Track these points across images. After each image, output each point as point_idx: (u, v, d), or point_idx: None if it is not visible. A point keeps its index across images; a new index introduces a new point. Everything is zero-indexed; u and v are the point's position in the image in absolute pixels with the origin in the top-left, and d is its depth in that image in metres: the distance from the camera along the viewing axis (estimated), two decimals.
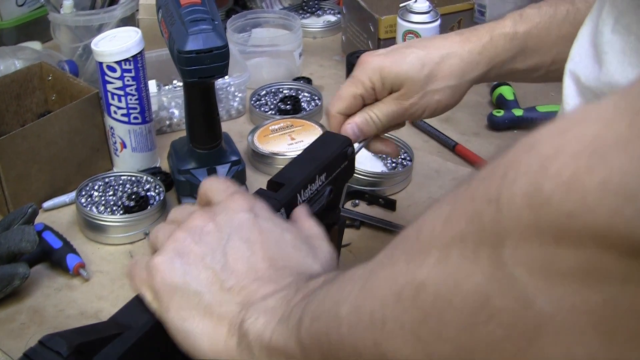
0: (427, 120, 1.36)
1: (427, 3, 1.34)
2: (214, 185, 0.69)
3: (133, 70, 1.16)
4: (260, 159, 1.26)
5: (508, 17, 0.92)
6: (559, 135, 0.32)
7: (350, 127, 0.91)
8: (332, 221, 0.83)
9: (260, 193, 0.75)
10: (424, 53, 0.90)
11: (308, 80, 1.51)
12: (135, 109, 1.19)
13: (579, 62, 0.66)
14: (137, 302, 0.63)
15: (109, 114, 1.20)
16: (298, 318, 0.52)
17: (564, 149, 0.31)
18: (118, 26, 1.35)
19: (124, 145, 1.22)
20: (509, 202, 0.33)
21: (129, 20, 1.42)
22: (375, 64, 0.90)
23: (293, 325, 0.52)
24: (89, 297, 1.02)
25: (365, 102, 0.92)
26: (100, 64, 1.15)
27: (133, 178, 1.19)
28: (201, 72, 1.02)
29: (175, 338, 0.60)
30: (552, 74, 0.90)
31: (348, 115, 0.92)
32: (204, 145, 1.13)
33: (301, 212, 0.72)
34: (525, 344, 0.33)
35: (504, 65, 0.91)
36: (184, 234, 0.62)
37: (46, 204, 1.17)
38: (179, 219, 0.67)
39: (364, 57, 0.92)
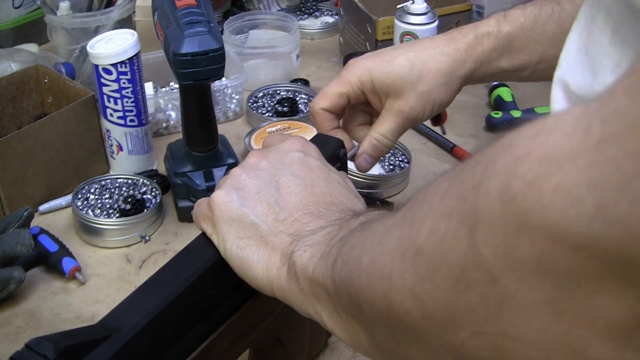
0: (424, 123, 1.36)
1: (425, 4, 1.34)
2: (275, 137, 0.75)
3: (129, 73, 1.16)
4: None
5: (492, 17, 0.95)
6: (530, 139, 0.36)
7: (363, 159, 0.93)
8: None
9: None
10: (412, 54, 0.92)
11: (305, 82, 1.50)
12: (131, 111, 1.19)
13: (567, 69, 0.66)
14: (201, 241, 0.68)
15: (105, 117, 1.19)
16: (334, 258, 0.55)
17: (532, 154, 0.35)
18: (115, 28, 1.35)
19: (120, 148, 1.22)
20: (485, 192, 0.38)
21: (126, 22, 1.42)
22: (365, 65, 0.92)
23: (330, 264, 0.56)
24: (85, 301, 1.02)
25: (351, 102, 0.93)
26: (96, 66, 1.15)
27: (129, 181, 1.19)
28: (197, 75, 1.02)
29: (232, 266, 0.65)
30: (541, 72, 0.92)
31: (332, 113, 0.94)
32: (201, 148, 1.13)
33: None
34: (495, 310, 0.38)
35: (490, 64, 0.92)
36: (240, 171, 0.68)
37: (42, 207, 1.17)
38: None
39: (352, 60, 0.94)
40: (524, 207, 0.35)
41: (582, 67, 0.64)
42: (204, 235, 0.70)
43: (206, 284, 0.67)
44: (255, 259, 0.63)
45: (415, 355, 0.47)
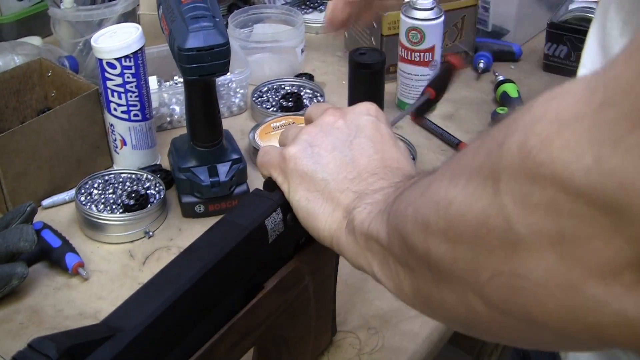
0: (430, 118, 1.35)
1: (431, 0, 1.33)
2: (315, 109, 0.79)
3: (133, 67, 1.15)
4: None
5: None
6: (547, 102, 0.42)
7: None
8: None
9: (256, 193, 0.75)
10: None
11: (310, 77, 1.50)
12: (135, 106, 1.18)
13: (590, 67, 0.66)
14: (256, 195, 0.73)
15: (109, 111, 1.19)
16: (388, 214, 0.60)
17: (547, 114, 0.41)
18: (119, 21, 1.35)
19: (124, 143, 1.21)
20: (508, 148, 0.43)
21: (130, 16, 1.41)
22: None
23: (385, 218, 0.61)
24: (88, 297, 1.01)
25: None
26: (100, 60, 1.14)
27: (133, 176, 1.18)
28: (202, 70, 1.01)
29: (297, 215, 0.71)
30: None
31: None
32: (205, 143, 1.12)
33: None
34: (511, 252, 0.43)
35: None
36: (316, 128, 0.72)
37: (45, 202, 1.16)
38: (313, 119, 0.76)
39: None
40: (538, 160, 0.40)
41: (600, 64, 0.64)
42: (208, 232, 0.70)
43: (210, 283, 0.66)
44: (321, 211, 0.69)
45: (448, 297, 0.52)
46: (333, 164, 0.70)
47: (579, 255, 0.40)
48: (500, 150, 0.44)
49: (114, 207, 1.12)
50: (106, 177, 1.17)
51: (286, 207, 0.73)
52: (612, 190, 0.37)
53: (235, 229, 0.70)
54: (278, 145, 0.79)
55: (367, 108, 0.75)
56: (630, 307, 0.39)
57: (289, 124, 1.30)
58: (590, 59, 0.68)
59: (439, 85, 0.95)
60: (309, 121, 0.79)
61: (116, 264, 1.07)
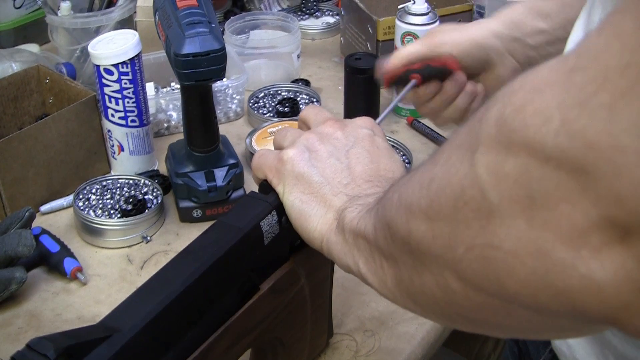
0: (425, 122, 1.36)
1: (426, 5, 1.34)
2: (312, 112, 0.81)
3: (130, 73, 1.16)
4: None
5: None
6: (525, 76, 0.44)
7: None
8: None
9: (251, 196, 0.75)
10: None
11: (306, 82, 1.51)
12: (132, 111, 1.19)
13: None
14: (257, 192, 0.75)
15: (107, 117, 1.19)
16: (376, 208, 0.63)
17: (524, 86, 0.43)
18: (116, 28, 1.35)
19: (121, 148, 1.22)
20: (487, 120, 0.45)
21: (127, 23, 1.42)
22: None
23: (373, 214, 0.63)
24: (87, 301, 1.02)
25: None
26: (98, 66, 1.15)
27: (131, 181, 1.19)
28: (198, 76, 1.02)
29: (290, 216, 0.72)
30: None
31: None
32: (202, 148, 1.13)
33: None
34: (484, 223, 0.45)
35: (525, 24, 0.99)
36: (315, 135, 0.74)
37: (43, 208, 1.17)
38: (309, 121, 0.79)
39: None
40: (512, 127, 0.42)
41: None
42: (204, 235, 0.71)
43: (206, 285, 0.67)
44: (313, 213, 0.70)
45: (428, 281, 0.53)
46: (329, 169, 0.71)
47: (548, 220, 0.41)
48: (480, 125, 0.46)
49: (111, 212, 1.13)
50: (104, 183, 1.18)
51: (281, 209, 0.74)
52: (579, 151, 0.38)
53: (230, 231, 0.71)
54: (274, 149, 0.80)
55: (364, 122, 0.77)
56: (597, 269, 0.39)
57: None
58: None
59: (426, 74, 0.95)
60: (304, 122, 0.81)
61: (114, 268, 1.07)
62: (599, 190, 0.38)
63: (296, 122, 1.31)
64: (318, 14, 1.79)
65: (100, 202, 1.15)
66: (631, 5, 0.39)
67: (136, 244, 1.12)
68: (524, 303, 0.45)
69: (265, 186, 0.75)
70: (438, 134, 1.33)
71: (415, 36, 1.33)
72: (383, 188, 0.68)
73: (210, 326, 0.69)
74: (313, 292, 0.82)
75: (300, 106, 1.40)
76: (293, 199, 0.72)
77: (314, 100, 1.43)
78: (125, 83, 1.16)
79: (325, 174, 0.71)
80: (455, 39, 0.96)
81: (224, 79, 1.29)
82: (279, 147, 0.77)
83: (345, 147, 0.73)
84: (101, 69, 1.15)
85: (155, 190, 1.17)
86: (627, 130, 0.37)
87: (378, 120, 0.89)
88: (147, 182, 1.19)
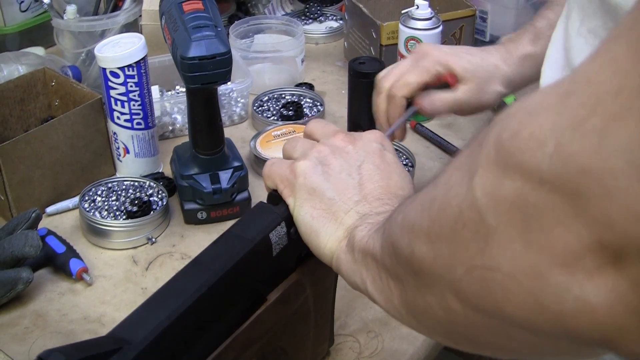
0: (428, 126, 1.37)
1: (429, 9, 1.35)
2: (318, 126, 0.80)
3: (136, 76, 1.17)
4: (263, 164, 1.26)
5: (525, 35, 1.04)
6: (521, 100, 0.44)
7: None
8: None
9: (260, 206, 0.76)
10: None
11: (310, 86, 1.51)
12: (138, 114, 1.20)
13: (554, 64, 0.70)
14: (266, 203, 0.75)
15: (112, 120, 1.20)
16: (384, 228, 0.63)
17: (520, 109, 0.44)
18: (121, 32, 1.36)
19: (126, 151, 1.22)
20: (486, 144, 0.46)
21: (132, 26, 1.43)
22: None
23: (381, 233, 0.63)
24: (92, 302, 1.02)
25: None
26: (104, 69, 1.16)
27: (136, 183, 1.20)
28: (204, 79, 1.03)
29: (300, 230, 0.72)
30: None
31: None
32: (207, 151, 1.14)
33: None
34: (483, 244, 0.45)
35: (522, 47, 1.04)
36: (327, 148, 0.74)
37: (49, 209, 1.18)
38: (315, 135, 0.78)
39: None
40: (509, 151, 0.43)
41: (561, 64, 0.67)
42: (213, 245, 0.71)
43: (215, 296, 0.67)
44: (324, 230, 0.70)
45: (430, 301, 0.54)
46: (341, 185, 0.71)
47: (543, 243, 0.41)
48: (480, 148, 0.46)
49: (117, 213, 1.14)
50: (109, 185, 1.19)
51: (290, 220, 0.74)
52: (572, 175, 0.39)
53: (240, 242, 0.71)
54: (281, 155, 0.80)
55: (374, 136, 0.77)
56: (591, 292, 0.40)
57: (290, 132, 1.32)
58: (554, 59, 0.71)
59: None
60: (309, 136, 0.80)
61: (119, 269, 1.08)
62: (591, 213, 0.39)
63: (300, 126, 1.33)
64: (322, 18, 1.80)
65: (105, 203, 1.16)
66: (624, 31, 0.39)
67: (141, 246, 1.12)
68: (521, 325, 0.45)
69: (275, 196, 0.75)
70: (441, 137, 1.34)
71: (418, 40, 1.33)
72: (392, 206, 0.68)
73: (218, 337, 0.69)
74: (317, 302, 0.82)
75: (304, 109, 1.41)
76: (304, 214, 0.71)
77: (318, 104, 1.44)
78: (131, 86, 1.17)
79: (337, 189, 0.71)
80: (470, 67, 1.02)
81: (229, 83, 1.29)
82: (288, 157, 0.77)
83: (357, 162, 0.73)
84: (107, 71, 1.16)
85: (160, 192, 1.18)
86: (618, 154, 0.37)
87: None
88: (152, 184, 1.19)
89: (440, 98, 1.03)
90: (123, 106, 1.18)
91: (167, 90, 1.43)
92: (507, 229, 0.43)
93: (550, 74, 0.71)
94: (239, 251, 0.70)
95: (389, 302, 0.61)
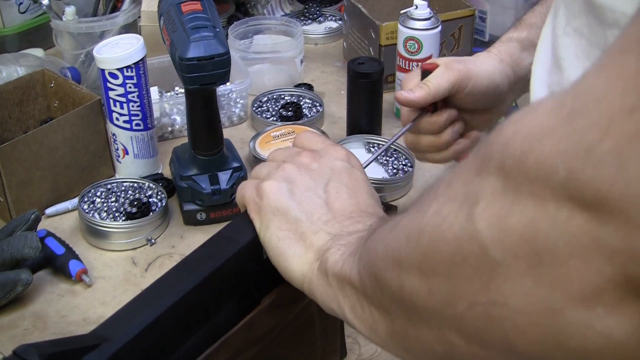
0: None
1: (428, 10, 1.35)
2: (312, 137, 0.77)
3: (135, 77, 1.16)
4: None
5: (509, 29, 0.98)
6: (516, 122, 0.41)
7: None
8: None
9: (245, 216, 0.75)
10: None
11: (309, 87, 1.51)
12: (137, 115, 1.20)
13: (543, 63, 0.69)
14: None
15: (111, 121, 1.20)
16: (360, 253, 0.60)
17: (518, 133, 0.40)
18: (120, 33, 1.36)
19: (126, 152, 1.22)
20: (487, 174, 0.43)
21: (131, 27, 1.43)
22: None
23: (357, 259, 0.60)
24: (92, 303, 1.02)
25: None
26: (103, 71, 1.16)
27: (135, 184, 1.20)
28: (203, 79, 1.03)
29: (268, 253, 0.68)
30: None
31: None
32: (206, 152, 1.14)
33: None
34: (486, 280, 0.42)
35: (521, 63, 0.97)
36: (292, 166, 0.71)
37: (49, 211, 1.18)
38: (279, 159, 0.74)
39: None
40: (517, 181, 0.40)
41: (550, 63, 0.67)
42: (202, 247, 0.70)
43: (201, 296, 0.67)
44: (292, 252, 0.67)
45: (425, 335, 0.51)
46: (307, 204, 0.68)
47: (558, 278, 0.38)
48: (480, 178, 0.43)
49: (116, 215, 1.14)
50: (109, 186, 1.19)
51: None
52: (590, 203, 0.36)
53: (228, 243, 0.71)
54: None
55: (341, 154, 0.73)
56: (615, 327, 0.37)
57: (289, 133, 1.32)
58: (545, 57, 0.69)
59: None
60: (273, 160, 0.76)
61: (119, 270, 1.08)
62: (612, 244, 0.36)
63: (298, 126, 1.33)
64: (321, 19, 1.79)
65: (105, 205, 1.15)
66: (634, 44, 0.37)
67: (141, 247, 1.12)
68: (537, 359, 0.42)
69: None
70: None
71: (418, 41, 1.33)
72: (364, 224, 0.66)
73: (208, 339, 0.69)
74: (321, 309, 0.82)
75: (304, 110, 1.41)
76: (270, 235, 0.68)
77: (317, 104, 1.44)
78: (130, 87, 1.17)
79: (303, 208, 0.68)
80: (477, 74, 0.94)
81: (228, 83, 1.30)
82: (256, 179, 0.74)
83: (323, 180, 0.70)
84: (106, 73, 1.16)
85: (159, 193, 1.18)
86: (639, 178, 0.34)
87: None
88: (151, 185, 1.19)
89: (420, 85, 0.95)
90: (122, 107, 1.18)
91: (166, 91, 1.44)
92: (515, 263, 0.40)
93: (539, 72, 0.69)
94: (226, 252, 0.69)
95: (372, 332, 0.58)
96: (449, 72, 0.93)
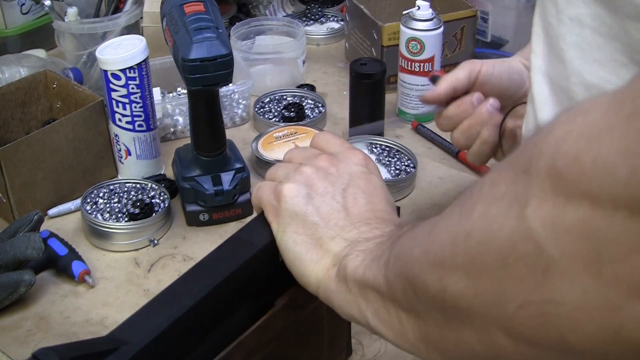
0: (430, 127, 1.37)
1: (430, 10, 1.35)
2: (330, 139, 0.77)
3: (138, 78, 1.17)
4: (265, 166, 1.27)
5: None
6: (569, 122, 0.41)
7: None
8: None
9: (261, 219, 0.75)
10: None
11: (312, 88, 1.51)
12: (139, 116, 1.20)
13: (538, 52, 0.68)
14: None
15: (114, 122, 1.20)
16: (386, 258, 0.59)
17: (572, 133, 0.40)
18: (122, 34, 1.36)
19: (128, 153, 1.22)
20: (536, 172, 0.43)
21: (133, 28, 1.43)
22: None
23: (382, 264, 0.60)
24: (95, 304, 1.02)
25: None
26: (105, 72, 1.16)
27: (138, 185, 1.20)
28: (206, 80, 1.03)
29: (284, 257, 0.69)
30: None
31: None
32: (209, 153, 1.14)
33: None
34: (541, 279, 0.42)
35: None
36: (311, 169, 0.71)
37: (51, 212, 1.18)
38: (296, 160, 0.75)
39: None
40: (570, 179, 0.40)
41: (548, 54, 0.66)
42: (218, 249, 0.71)
43: (218, 299, 0.67)
44: (308, 257, 0.67)
45: (467, 337, 0.50)
46: (325, 209, 0.68)
47: (617, 274, 0.39)
48: (527, 176, 0.43)
49: (119, 215, 1.14)
50: (111, 187, 1.19)
51: None
52: None
53: (244, 247, 0.71)
54: (282, 158, 0.78)
55: (359, 159, 0.74)
56: None
57: (292, 133, 1.32)
58: (537, 48, 0.69)
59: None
60: (289, 161, 0.77)
61: (122, 271, 1.08)
62: None
63: (301, 127, 1.33)
64: (323, 19, 1.79)
65: (107, 205, 1.16)
66: None
67: (143, 248, 1.12)
68: (591, 357, 0.43)
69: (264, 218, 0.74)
70: (442, 138, 1.34)
71: (420, 41, 1.33)
72: (382, 231, 0.66)
73: (222, 341, 0.69)
74: (330, 310, 0.82)
75: (306, 111, 1.41)
76: (287, 239, 0.69)
77: (319, 105, 1.44)
78: (132, 88, 1.17)
79: (321, 213, 0.68)
80: (494, 61, 0.99)
81: (230, 84, 1.30)
82: (272, 181, 0.75)
83: (341, 185, 0.70)
84: (109, 74, 1.16)
85: (162, 194, 1.18)
86: None
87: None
88: (154, 186, 1.19)
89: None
90: (124, 108, 1.18)
91: (169, 92, 1.43)
92: (573, 261, 0.40)
93: (537, 63, 0.69)
94: (244, 255, 0.70)
95: (399, 336, 0.59)
96: (464, 64, 0.98)
